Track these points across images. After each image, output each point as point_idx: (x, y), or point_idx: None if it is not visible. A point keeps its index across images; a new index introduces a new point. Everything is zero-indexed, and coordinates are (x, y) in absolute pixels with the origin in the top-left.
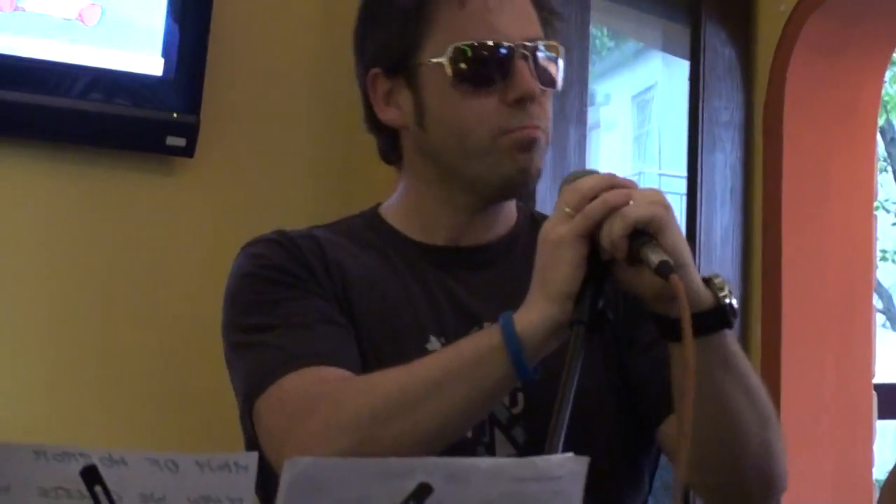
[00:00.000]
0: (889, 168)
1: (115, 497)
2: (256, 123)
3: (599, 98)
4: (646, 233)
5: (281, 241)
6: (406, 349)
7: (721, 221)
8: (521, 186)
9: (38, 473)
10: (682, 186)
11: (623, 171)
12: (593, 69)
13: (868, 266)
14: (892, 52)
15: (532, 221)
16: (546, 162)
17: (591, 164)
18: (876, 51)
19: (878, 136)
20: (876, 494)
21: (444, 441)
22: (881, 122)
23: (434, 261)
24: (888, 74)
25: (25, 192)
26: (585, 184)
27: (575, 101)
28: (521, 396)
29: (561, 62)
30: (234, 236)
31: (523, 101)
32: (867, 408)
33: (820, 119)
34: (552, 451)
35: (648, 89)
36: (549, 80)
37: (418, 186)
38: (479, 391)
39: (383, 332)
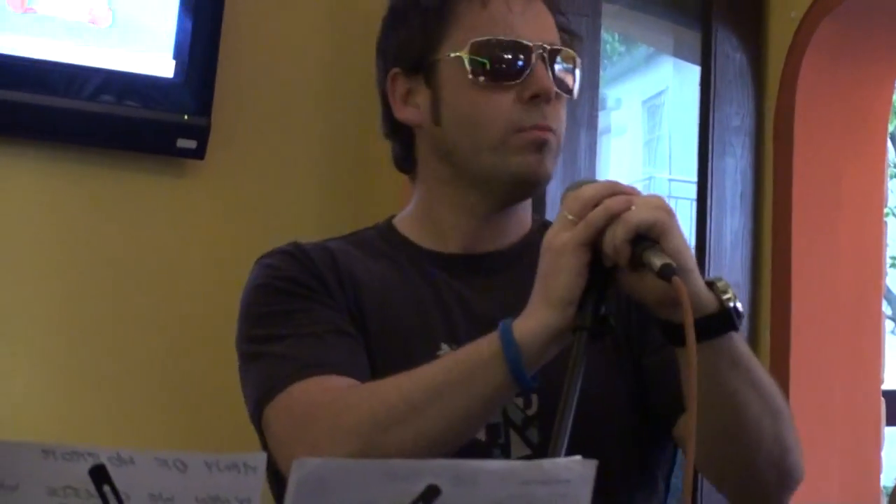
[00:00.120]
0: None
1: (123, 496)
2: (267, 126)
3: (610, 103)
4: (648, 238)
5: (294, 253)
6: (417, 357)
7: (731, 227)
8: (530, 187)
9: (46, 472)
10: (693, 192)
11: (633, 175)
12: (604, 74)
13: (878, 272)
14: None
15: (545, 229)
16: (556, 167)
17: (601, 169)
18: (887, 57)
19: (889, 143)
20: (884, 501)
21: (447, 446)
22: (892, 128)
23: (447, 268)
24: None
25: (36, 193)
26: (587, 191)
27: (586, 106)
28: (535, 398)
29: (578, 72)
30: (244, 238)
31: (538, 100)
32: (875, 414)
33: (830, 125)
34: (555, 455)
35: (659, 94)
36: (565, 87)
37: (432, 190)
38: (479, 398)
39: (395, 342)
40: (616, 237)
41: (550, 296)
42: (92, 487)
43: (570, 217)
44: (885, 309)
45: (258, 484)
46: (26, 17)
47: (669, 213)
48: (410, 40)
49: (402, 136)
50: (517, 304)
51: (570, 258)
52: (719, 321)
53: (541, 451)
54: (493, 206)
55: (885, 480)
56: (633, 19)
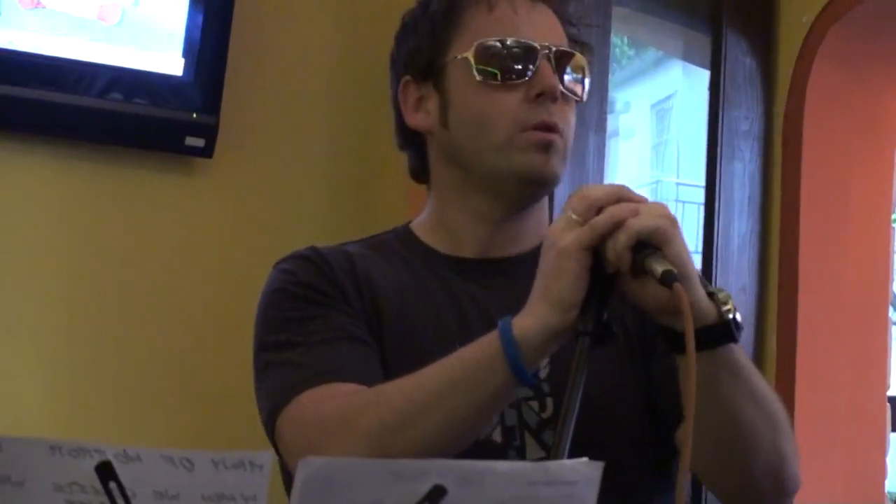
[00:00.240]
0: None
1: (129, 494)
2: (275, 125)
3: (619, 106)
4: (651, 245)
5: (312, 258)
6: (433, 362)
7: (739, 230)
8: (536, 186)
9: (53, 469)
10: (700, 195)
11: (641, 179)
12: (613, 77)
13: (885, 277)
14: None
15: None
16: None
17: (609, 172)
18: None
19: None
20: None
21: (456, 445)
22: None
23: (463, 273)
24: None
25: (43, 190)
26: (594, 192)
27: (594, 109)
28: (549, 401)
29: (587, 80)
30: (251, 236)
31: (544, 98)
32: (881, 419)
33: (839, 130)
34: (558, 459)
35: (668, 98)
36: (572, 89)
37: (444, 196)
38: (482, 397)
39: (411, 346)
40: (618, 243)
41: (551, 296)
42: (98, 484)
43: (575, 217)
44: (892, 314)
45: (264, 482)
46: (36, 13)
47: (672, 222)
48: (420, 47)
49: (415, 145)
50: None
51: (571, 261)
52: (718, 332)
53: None
54: (504, 209)
55: (890, 486)
56: (642, 23)
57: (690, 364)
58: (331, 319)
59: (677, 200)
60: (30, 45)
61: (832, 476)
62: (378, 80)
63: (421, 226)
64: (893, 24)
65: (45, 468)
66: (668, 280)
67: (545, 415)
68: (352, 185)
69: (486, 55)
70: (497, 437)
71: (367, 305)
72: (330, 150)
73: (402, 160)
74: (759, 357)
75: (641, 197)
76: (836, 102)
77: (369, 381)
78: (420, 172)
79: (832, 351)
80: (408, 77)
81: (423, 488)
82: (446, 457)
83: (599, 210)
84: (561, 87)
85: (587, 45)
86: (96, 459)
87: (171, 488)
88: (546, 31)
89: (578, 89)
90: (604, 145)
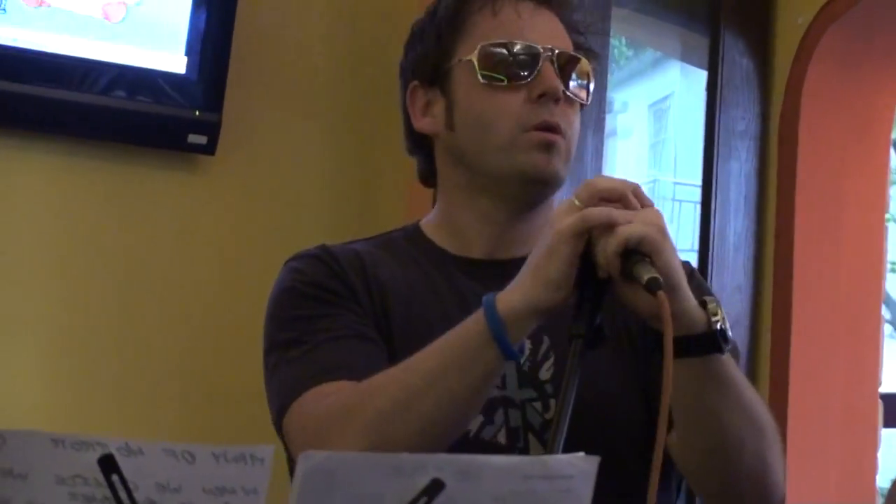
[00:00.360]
0: None
1: (131, 486)
2: (278, 122)
3: (617, 106)
4: (640, 252)
5: (322, 257)
6: None
7: (734, 229)
8: (539, 185)
9: (55, 461)
10: (697, 195)
11: (638, 178)
12: (611, 77)
13: (878, 277)
14: None
15: None
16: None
17: (607, 171)
18: (892, 64)
19: (892, 150)
20: (879, 501)
21: (455, 427)
22: (895, 135)
23: (470, 273)
24: None
25: (46, 187)
26: (601, 182)
27: (593, 109)
28: (553, 402)
29: (591, 86)
30: (254, 234)
31: (546, 98)
32: (873, 416)
33: (835, 130)
34: None
35: (665, 98)
36: (576, 93)
37: (451, 198)
38: (473, 375)
39: (419, 345)
40: (607, 249)
41: (538, 274)
42: (101, 477)
43: (577, 203)
44: (885, 313)
45: (265, 475)
46: (39, 10)
47: (662, 231)
48: (427, 53)
49: (423, 150)
50: None
51: (563, 245)
52: (706, 341)
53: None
54: (509, 210)
55: (882, 482)
56: (641, 23)
57: (668, 369)
58: (339, 318)
59: (674, 199)
60: (34, 43)
61: (825, 471)
62: (380, 78)
63: (430, 225)
64: (889, 26)
65: (47, 461)
66: (652, 287)
67: (549, 416)
68: (353, 182)
69: (489, 58)
70: (501, 438)
71: (375, 304)
72: (332, 148)
73: (403, 159)
74: (753, 354)
75: (648, 199)
76: (831, 103)
77: None
78: (429, 177)
79: (826, 348)
80: (415, 83)
81: (422, 482)
82: (447, 440)
83: (603, 200)
84: (564, 89)
85: (593, 51)
86: (99, 452)
87: (173, 481)
88: (549, 35)
89: (583, 94)
90: (602, 145)
